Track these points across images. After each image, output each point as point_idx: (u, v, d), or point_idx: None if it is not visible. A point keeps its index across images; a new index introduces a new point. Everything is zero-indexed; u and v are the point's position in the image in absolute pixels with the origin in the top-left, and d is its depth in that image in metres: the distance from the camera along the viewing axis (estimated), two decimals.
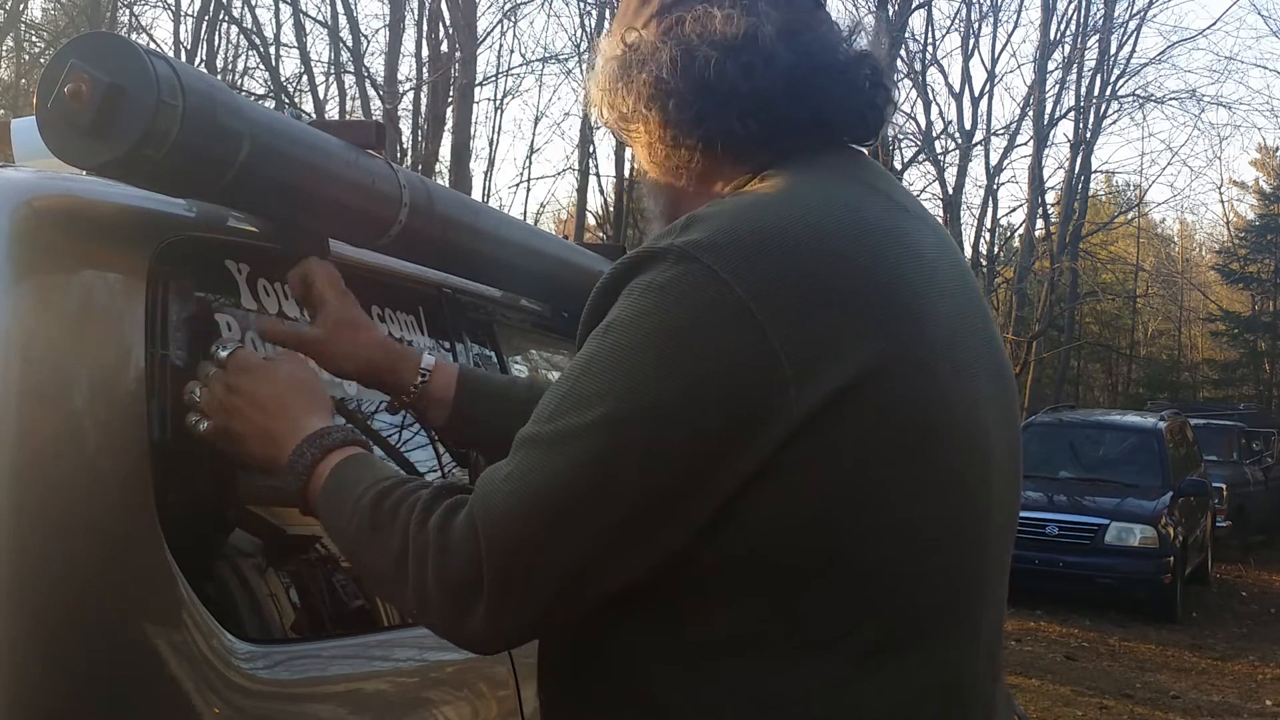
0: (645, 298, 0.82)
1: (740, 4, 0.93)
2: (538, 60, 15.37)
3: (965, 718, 0.90)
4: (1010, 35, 26.82)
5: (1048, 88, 14.83)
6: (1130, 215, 22.09)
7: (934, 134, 14.81)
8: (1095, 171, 17.82)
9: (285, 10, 11.96)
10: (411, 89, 12.12)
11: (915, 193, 16.40)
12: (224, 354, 1.06)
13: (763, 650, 0.84)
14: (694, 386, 0.80)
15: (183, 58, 10.54)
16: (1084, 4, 14.98)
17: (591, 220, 16.88)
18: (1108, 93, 15.66)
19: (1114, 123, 21.80)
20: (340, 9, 11.62)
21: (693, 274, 0.81)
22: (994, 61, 15.17)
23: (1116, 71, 15.61)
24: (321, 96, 12.22)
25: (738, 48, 0.90)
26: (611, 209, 16.07)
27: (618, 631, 0.88)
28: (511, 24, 14.36)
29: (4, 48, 13.10)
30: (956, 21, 15.41)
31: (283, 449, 0.97)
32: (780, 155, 0.92)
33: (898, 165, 14.33)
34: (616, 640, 0.89)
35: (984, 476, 0.90)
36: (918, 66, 14.76)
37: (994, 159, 15.16)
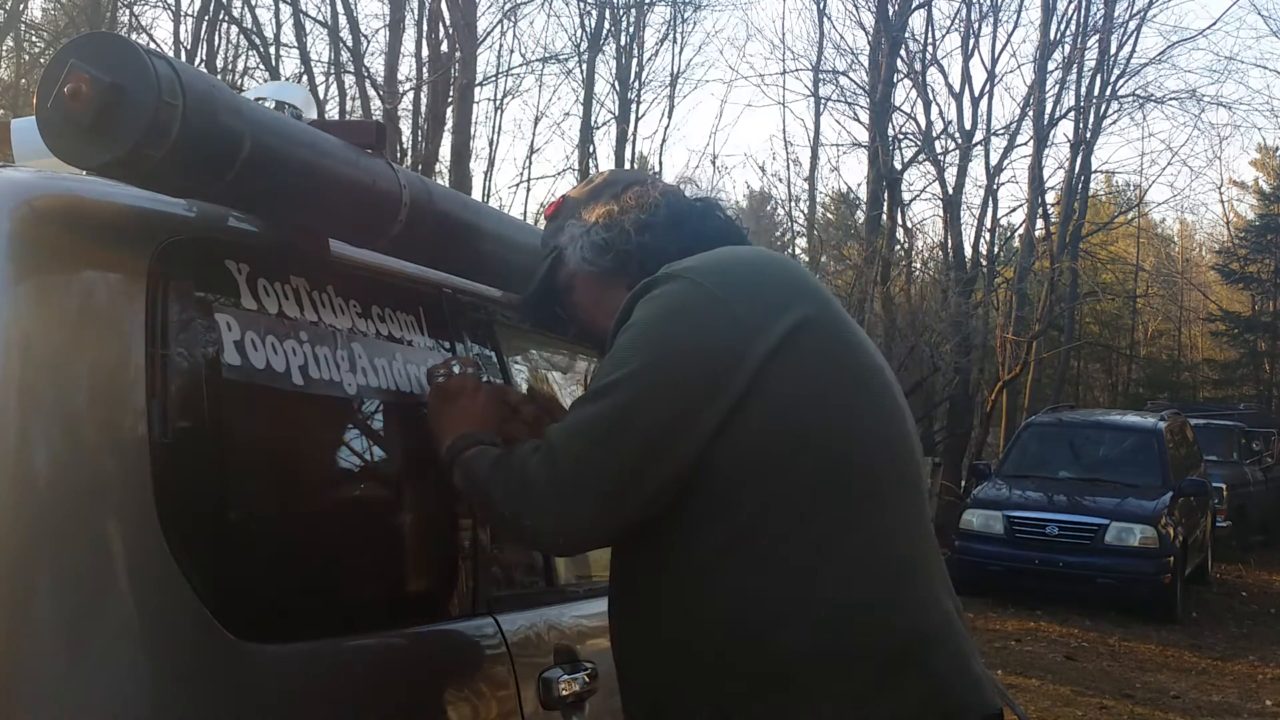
0: (651, 302, 1.29)
1: (649, 180, 1.54)
2: (538, 60, 15.32)
3: (921, 553, 1.29)
4: (1010, 35, 26.81)
5: (1048, 88, 14.77)
6: (1130, 215, 22.00)
7: (934, 134, 14.77)
8: (1095, 171, 17.75)
9: (285, 10, 11.96)
10: (411, 89, 12.11)
11: (915, 193, 16.45)
12: (487, 379, 1.53)
13: (759, 538, 1.21)
14: (687, 345, 1.26)
15: (183, 58, 10.53)
16: (1084, 4, 14.91)
17: None
18: (1108, 93, 15.59)
19: (1114, 123, 21.71)
20: (340, 9, 11.60)
21: (679, 283, 1.29)
22: (994, 61, 15.12)
23: (1116, 71, 15.54)
24: (321, 96, 12.20)
25: (670, 195, 1.49)
26: None
27: (652, 555, 1.27)
28: (511, 24, 14.33)
29: (4, 48, 13.09)
30: (956, 21, 15.34)
31: (466, 427, 1.43)
32: (706, 250, 1.38)
33: (897, 165, 14.32)
34: (650, 561, 1.28)
35: (888, 398, 1.33)
36: (918, 66, 14.73)
37: (994, 159, 15.08)
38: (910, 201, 15.69)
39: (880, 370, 1.35)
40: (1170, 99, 15.94)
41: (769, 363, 1.23)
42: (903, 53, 14.38)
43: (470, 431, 1.41)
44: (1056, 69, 15.10)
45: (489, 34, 13.18)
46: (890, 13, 14.05)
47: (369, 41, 12.77)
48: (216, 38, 12.60)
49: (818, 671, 1.19)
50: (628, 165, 15.02)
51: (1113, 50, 15.46)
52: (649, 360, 1.25)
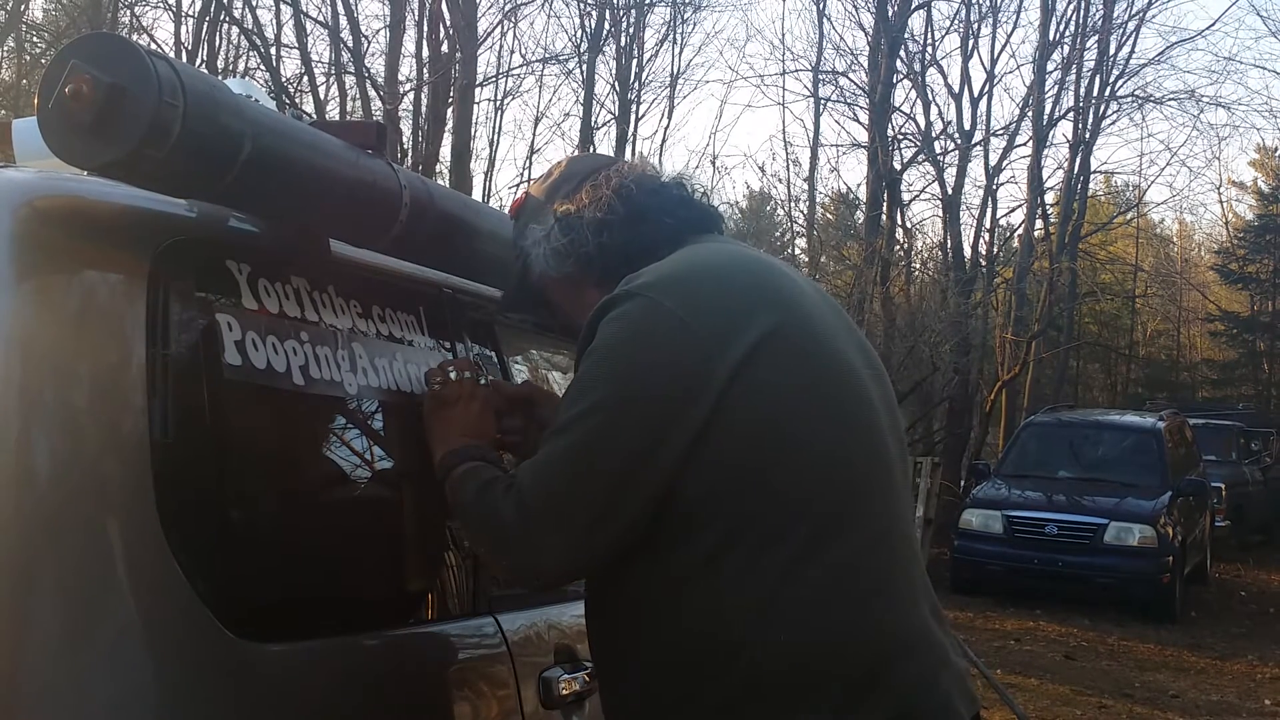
0: (611, 325, 1.26)
1: (605, 171, 1.46)
2: (538, 61, 15.27)
3: (898, 561, 1.27)
4: (1009, 36, 26.65)
5: (1047, 88, 14.74)
6: (1129, 216, 21.94)
7: (933, 134, 14.76)
8: (1094, 172, 17.68)
9: (286, 11, 11.94)
10: (412, 89, 12.10)
11: (915, 193, 16.45)
12: (485, 379, 1.49)
13: (735, 552, 1.20)
14: (650, 371, 1.23)
15: (184, 58, 10.51)
16: (1083, 5, 14.91)
17: None
18: (1107, 93, 15.56)
19: (1113, 123, 21.54)
20: (341, 9, 11.60)
21: (638, 303, 1.26)
22: (993, 62, 15.10)
23: (1116, 72, 15.50)
24: (322, 97, 12.19)
25: (626, 188, 1.42)
26: None
27: (630, 571, 1.25)
28: (512, 24, 14.23)
29: (5, 48, 13.08)
30: (956, 22, 15.32)
31: (461, 440, 1.40)
32: (666, 248, 1.37)
33: (897, 166, 14.31)
34: (625, 579, 1.26)
35: (864, 403, 1.31)
36: (917, 67, 14.72)
37: (993, 159, 15.04)
38: (910, 202, 15.69)
39: (857, 373, 1.32)
40: (1169, 99, 15.94)
41: (734, 381, 1.21)
42: (902, 53, 14.38)
43: (461, 447, 1.38)
44: (1055, 69, 15.10)
45: (489, 35, 13.15)
46: (890, 13, 14.05)
47: (369, 42, 12.76)
48: (217, 39, 12.59)
49: (790, 688, 1.19)
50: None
51: (1112, 51, 15.45)
52: (609, 391, 1.23)
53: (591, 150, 15.20)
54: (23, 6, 11.80)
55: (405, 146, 11.62)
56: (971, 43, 15.05)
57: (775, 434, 1.22)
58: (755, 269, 1.34)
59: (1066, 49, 15.13)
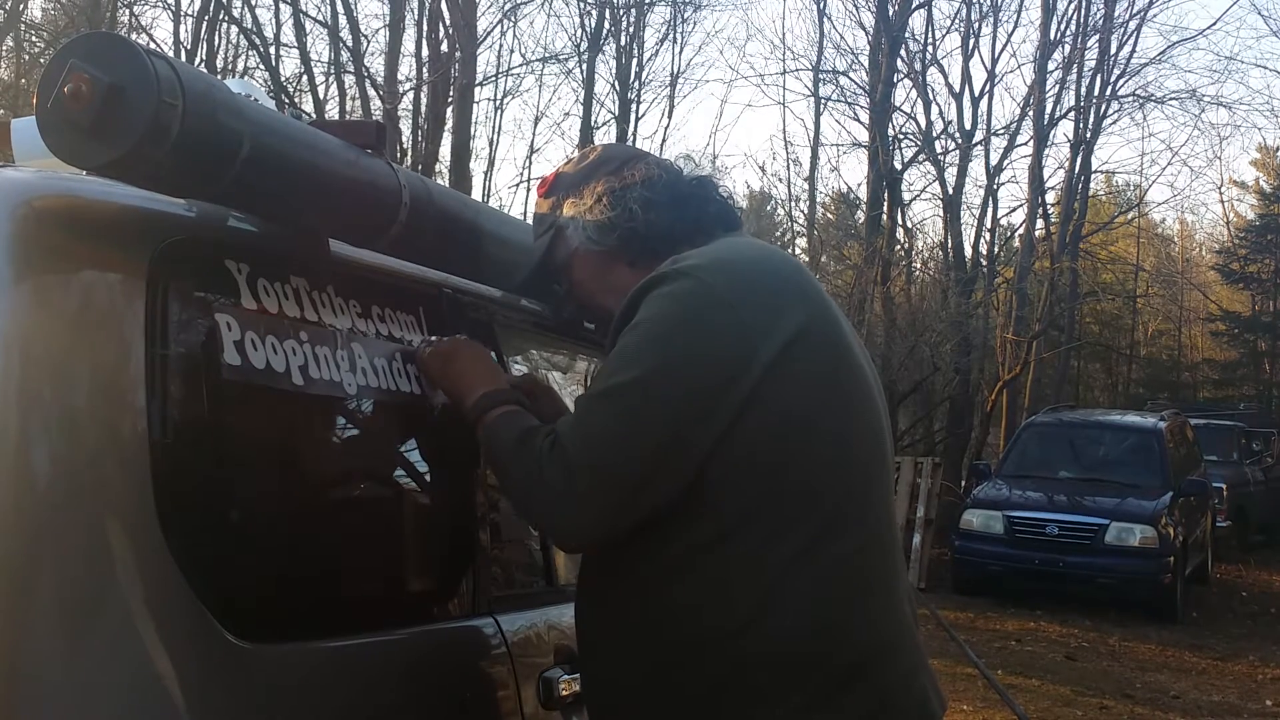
0: (659, 301, 1.27)
1: (648, 156, 1.51)
2: (538, 60, 15.31)
3: (889, 561, 1.32)
4: (1010, 35, 26.74)
5: (1048, 88, 14.74)
6: (1130, 215, 21.93)
7: (934, 134, 14.77)
8: (1095, 171, 17.66)
9: (285, 10, 11.95)
10: (411, 89, 12.11)
11: (915, 193, 16.44)
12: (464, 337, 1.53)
13: (742, 539, 1.22)
14: (699, 348, 1.24)
15: (183, 58, 10.52)
16: (1084, 4, 14.91)
17: None
18: (1108, 93, 15.55)
19: (1114, 123, 21.58)
20: (340, 9, 11.61)
21: (687, 283, 1.27)
22: (994, 61, 15.11)
23: (1116, 71, 15.49)
24: (321, 96, 12.20)
25: (671, 172, 1.48)
26: None
27: (631, 550, 1.26)
28: (511, 24, 14.29)
29: (4, 48, 13.09)
30: (956, 21, 15.33)
31: (475, 389, 1.40)
32: (703, 237, 1.41)
33: (897, 165, 14.31)
34: (625, 553, 1.26)
35: (872, 402, 1.36)
36: (918, 66, 14.73)
37: (994, 159, 15.06)
38: (910, 201, 15.72)
39: (865, 374, 1.36)
40: (1170, 99, 15.93)
41: (770, 370, 1.23)
42: (903, 53, 14.39)
43: (488, 391, 1.38)
44: (1056, 69, 15.10)
45: (489, 34, 13.18)
46: (890, 13, 14.06)
47: (369, 41, 12.78)
48: (216, 38, 12.61)
49: (775, 680, 1.20)
50: None
51: (1113, 50, 15.45)
52: (658, 364, 1.23)
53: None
54: (22, 6, 11.81)
55: (405, 146, 11.63)
56: (972, 42, 15.07)
57: (798, 427, 1.25)
58: (787, 265, 1.38)
59: (1067, 48, 15.14)
